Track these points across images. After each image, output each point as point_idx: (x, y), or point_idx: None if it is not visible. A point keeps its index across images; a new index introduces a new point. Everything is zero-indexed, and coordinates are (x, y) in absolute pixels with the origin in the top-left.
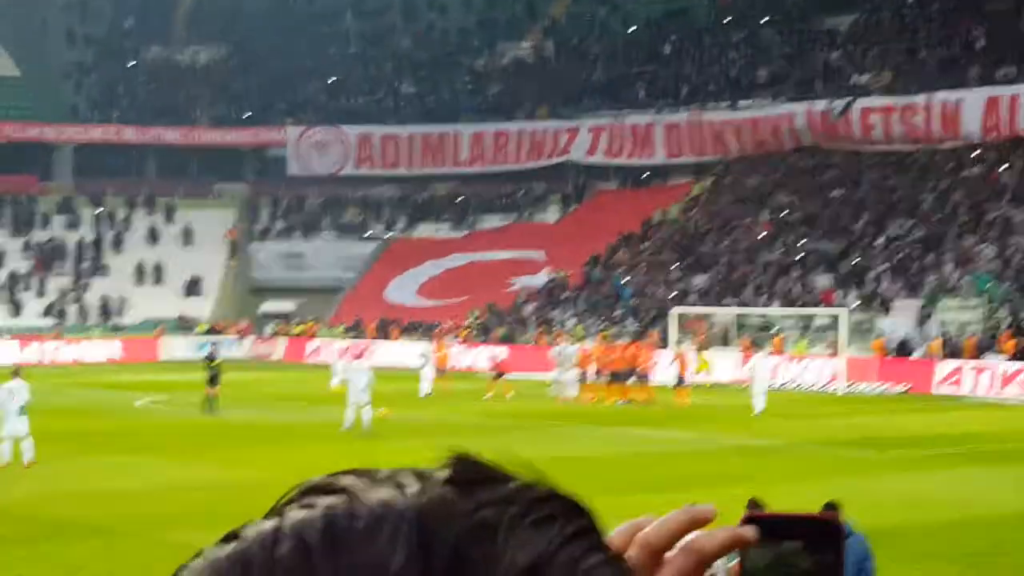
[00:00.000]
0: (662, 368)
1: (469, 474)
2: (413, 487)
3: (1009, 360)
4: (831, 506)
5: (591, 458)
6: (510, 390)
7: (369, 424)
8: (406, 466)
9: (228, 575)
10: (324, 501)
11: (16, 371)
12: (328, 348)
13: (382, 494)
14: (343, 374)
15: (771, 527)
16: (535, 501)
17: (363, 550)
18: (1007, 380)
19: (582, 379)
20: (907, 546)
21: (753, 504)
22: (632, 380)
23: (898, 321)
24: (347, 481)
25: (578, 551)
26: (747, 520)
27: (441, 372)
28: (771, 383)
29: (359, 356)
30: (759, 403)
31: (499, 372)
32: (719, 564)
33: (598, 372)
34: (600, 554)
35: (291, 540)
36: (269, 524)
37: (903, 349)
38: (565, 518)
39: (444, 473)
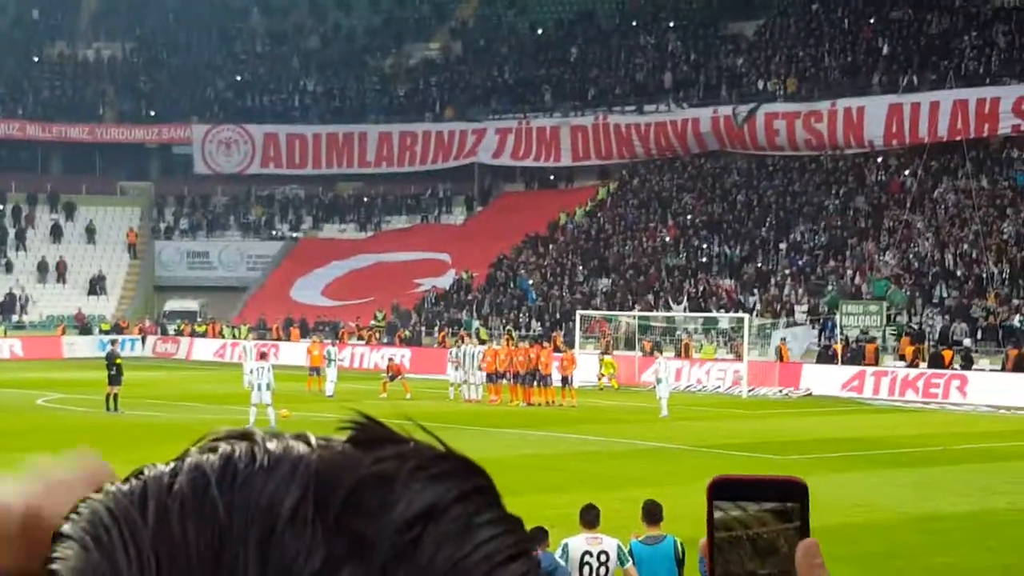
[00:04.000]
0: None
1: (370, 434)
2: (316, 441)
3: (908, 366)
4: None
5: (493, 459)
6: (408, 390)
7: (275, 423)
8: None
9: (125, 506)
10: (227, 445)
11: None
12: (232, 348)
13: (285, 442)
14: (247, 374)
15: (737, 490)
16: (433, 458)
17: (259, 487)
18: (906, 385)
19: (490, 380)
20: None
21: (648, 506)
22: (535, 383)
23: (799, 326)
24: (252, 431)
25: (473, 506)
26: (714, 484)
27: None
28: (675, 386)
29: (263, 356)
30: (664, 406)
31: (394, 374)
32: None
33: (503, 374)
34: (496, 511)
35: (188, 475)
36: (171, 463)
37: (824, 356)
38: (462, 475)
39: (347, 434)
